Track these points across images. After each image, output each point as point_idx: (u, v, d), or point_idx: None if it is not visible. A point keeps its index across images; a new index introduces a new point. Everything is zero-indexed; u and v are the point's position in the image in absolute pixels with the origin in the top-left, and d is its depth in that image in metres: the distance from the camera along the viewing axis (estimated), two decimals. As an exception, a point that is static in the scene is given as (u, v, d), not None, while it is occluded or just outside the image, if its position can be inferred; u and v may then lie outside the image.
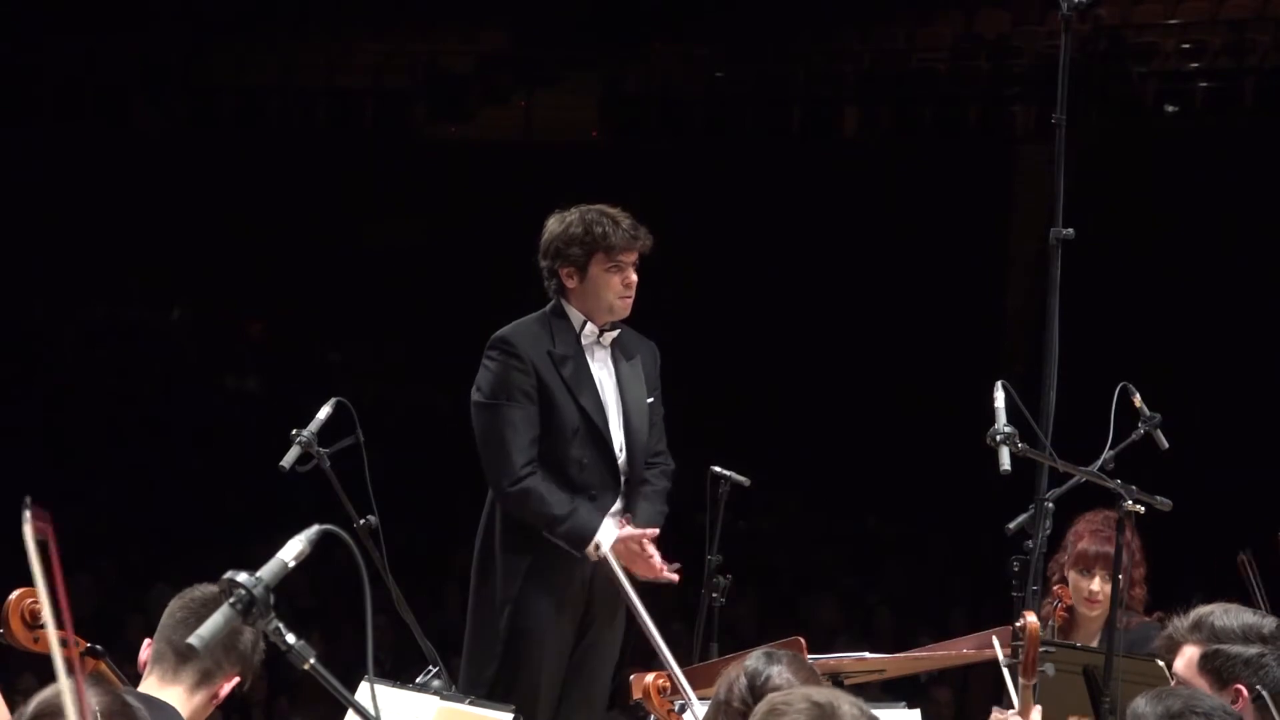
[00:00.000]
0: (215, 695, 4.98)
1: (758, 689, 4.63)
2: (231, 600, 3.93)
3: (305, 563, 4.02)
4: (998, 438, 5.94)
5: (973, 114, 19.38)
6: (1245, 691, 4.94)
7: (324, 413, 6.42)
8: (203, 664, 4.92)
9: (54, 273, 20.73)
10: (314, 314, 20.47)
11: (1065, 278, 6.22)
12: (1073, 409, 6.17)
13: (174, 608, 5.02)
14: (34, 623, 5.07)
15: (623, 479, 7.06)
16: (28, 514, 3.23)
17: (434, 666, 6.28)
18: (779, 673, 4.69)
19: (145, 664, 5.04)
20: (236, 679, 4.99)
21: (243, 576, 3.95)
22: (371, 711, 4.12)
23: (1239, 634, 5.04)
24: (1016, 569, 6.07)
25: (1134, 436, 6.56)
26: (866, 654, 6.64)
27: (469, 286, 18.85)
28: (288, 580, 3.96)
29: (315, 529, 4.06)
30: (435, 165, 20.40)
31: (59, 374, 20.20)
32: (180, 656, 4.90)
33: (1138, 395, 6.50)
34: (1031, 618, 5.68)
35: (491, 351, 7.01)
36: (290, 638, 3.95)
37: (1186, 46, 18.95)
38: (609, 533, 6.88)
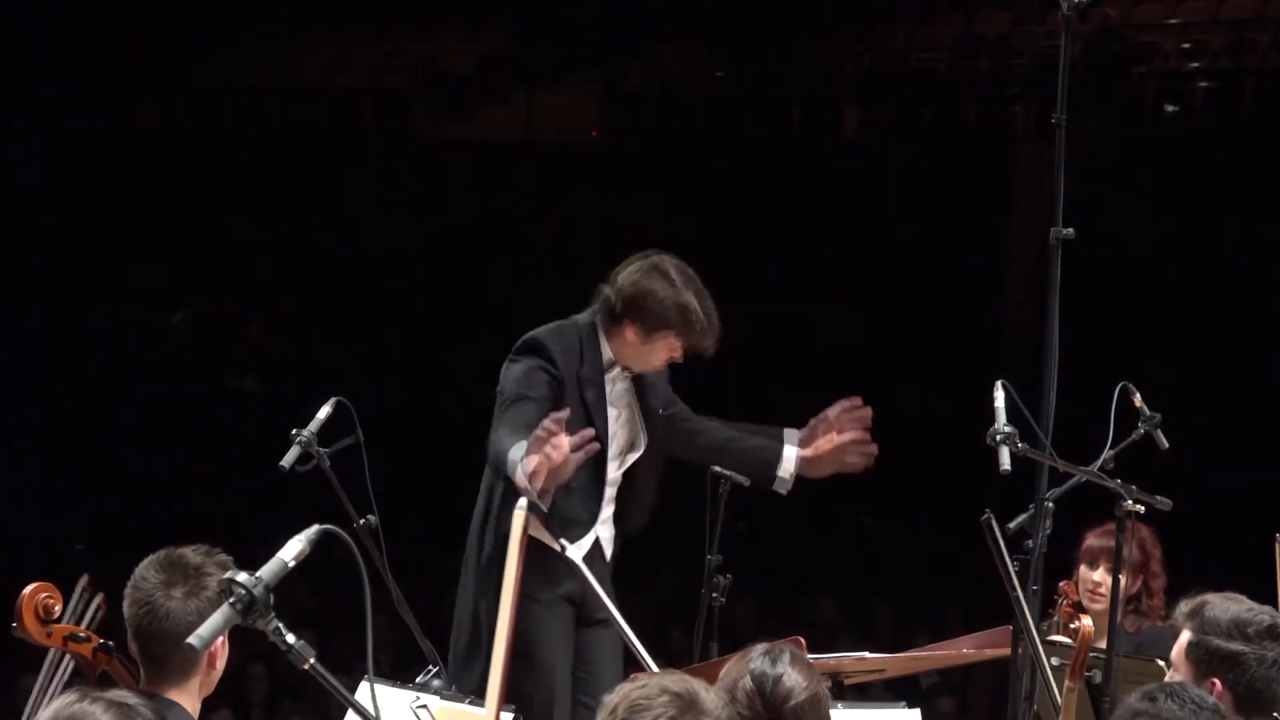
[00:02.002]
0: (211, 664, 4.65)
1: (768, 692, 4.49)
2: (232, 600, 3.94)
3: (305, 563, 4.02)
4: (998, 438, 5.95)
5: (973, 114, 19.38)
6: (1219, 684, 4.97)
7: (324, 413, 6.41)
8: (180, 656, 4.53)
9: (54, 273, 20.71)
10: (314, 314, 20.46)
11: (1065, 278, 6.22)
12: (1073, 409, 6.17)
13: (136, 607, 4.64)
14: (48, 617, 4.94)
15: (612, 491, 6.99)
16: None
17: (434, 666, 6.29)
18: (789, 675, 4.50)
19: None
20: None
21: (243, 576, 3.96)
22: (371, 711, 4.13)
23: (1224, 629, 5.06)
24: (1016, 569, 6.07)
25: (1134, 436, 6.57)
26: (866, 654, 6.64)
27: (469, 286, 18.85)
28: (288, 580, 3.96)
29: (315, 529, 4.07)
30: (435, 165, 20.38)
31: (59, 374, 20.18)
32: (153, 661, 4.59)
33: (1138, 395, 6.51)
34: (1087, 621, 5.68)
35: (525, 353, 6.84)
36: (290, 638, 3.96)
37: (1186, 46, 18.94)
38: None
